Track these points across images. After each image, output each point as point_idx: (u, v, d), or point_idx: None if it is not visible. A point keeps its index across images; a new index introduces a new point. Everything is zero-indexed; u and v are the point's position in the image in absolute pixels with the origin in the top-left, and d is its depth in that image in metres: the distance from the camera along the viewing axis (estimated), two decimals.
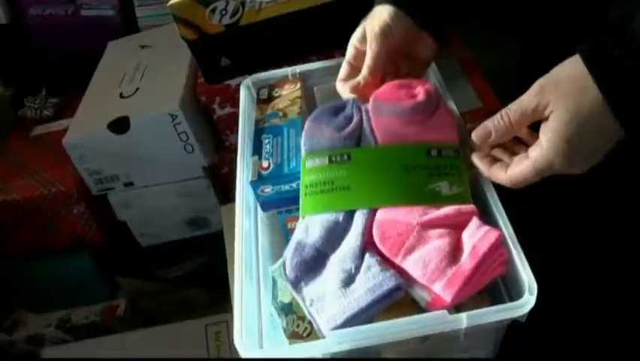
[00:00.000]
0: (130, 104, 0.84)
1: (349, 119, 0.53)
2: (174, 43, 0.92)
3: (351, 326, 0.42)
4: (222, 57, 0.80)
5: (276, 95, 0.67)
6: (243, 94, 0.67)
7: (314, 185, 0.49)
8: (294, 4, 0.75)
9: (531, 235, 0.47)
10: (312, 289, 0.45)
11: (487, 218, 0.49)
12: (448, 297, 0.41)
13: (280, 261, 0.55)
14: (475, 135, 0.46)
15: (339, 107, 0.55)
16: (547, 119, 0.42)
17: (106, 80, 0.92)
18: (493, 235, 0.42)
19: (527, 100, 0.43)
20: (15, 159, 0.90)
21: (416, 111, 0.49)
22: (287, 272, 0.46)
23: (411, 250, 0.44)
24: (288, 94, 0.66)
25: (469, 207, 0.46)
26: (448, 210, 0.45)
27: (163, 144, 0.84)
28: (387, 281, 0.42)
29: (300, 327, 0.50)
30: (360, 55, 0.55)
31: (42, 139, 0.93)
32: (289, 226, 0.60)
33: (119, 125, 0.82)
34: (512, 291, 0.46)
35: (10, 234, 0.86)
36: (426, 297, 0.43)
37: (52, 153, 0.88)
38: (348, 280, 0.44)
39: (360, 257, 0.45)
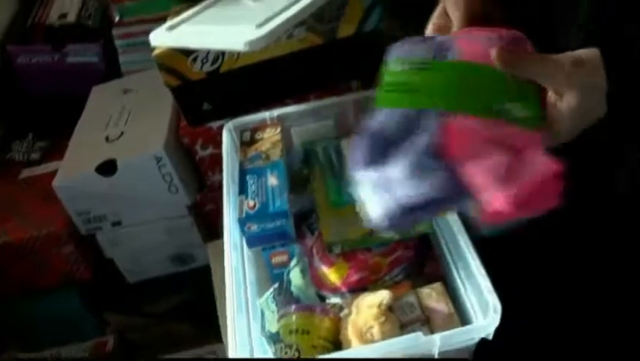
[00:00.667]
0: (116, 148, 0.88)
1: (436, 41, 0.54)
2: (156, 88, 0.96)
3: (402, 216, 0.45)
4: (204, 102, 0.85)
5: (258, 137, 0.72)
6: (225, 137, 0.72)
7: (391, 84, 0.50)
8: (270, 51, 0.80)
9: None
10: (381, 172, 0.46)
11: (457, 252, 0.55)
12: (509, 208, 0.42)
13: (267, 293, 0.59)
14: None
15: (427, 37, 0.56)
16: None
17: (91, 124, 0.96)
18: (554, 165, 0.43)
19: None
20: (4, 201, 0.92)
21: (503, 41, 0.49)
22: (359, 153, 0.48)
23: (476, 159, 0.44)
24: (270, 137, 0.71)
25: (535, 133, 0.46)
26: (515, 130, 0.46)
27: (148, 184, 0.88)
28: (453, 188, 0.44)
29: (287, 354, 0.54)
30: (441, 29, 0.56)
31: (30, 182, 0.96)
32: (273, 261, 0.64)
33: (107, 168, 0.85)
34: (478, 312, 0.51)
35: (0, 275, 0.88)
36: (476, 206, 0.44)
37: (41, 195, 0.91)
38: (413, 174, 0.45)
39: (428, 155, 0.46)
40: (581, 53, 0.44)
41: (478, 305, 0.50)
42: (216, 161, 0.91)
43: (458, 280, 0.55)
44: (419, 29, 0.63)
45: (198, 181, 0.94)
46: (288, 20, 0.69)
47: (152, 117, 0.93)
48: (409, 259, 0.61)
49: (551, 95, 0.45)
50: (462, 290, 0.54)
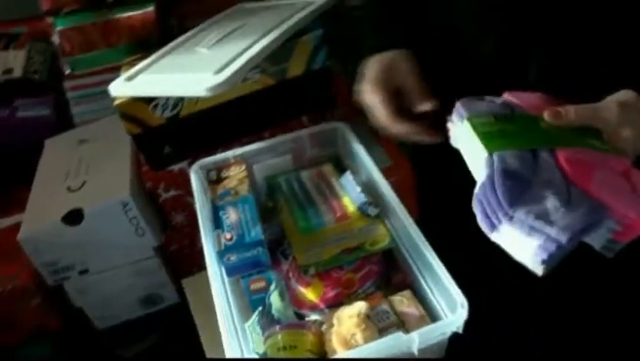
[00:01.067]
0: (80, 197, 0.90)
1: (497, 101, 0.59)
2: (112, 136, 1.00)
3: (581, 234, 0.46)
4: (165, 146, 0.88)
5: (224, 176, 0.77)
6: (193, 178, 0.76)
7: (489, 133, 0.53)
8: (227, 95, 0.85)
9: None
10: (532, 207, 0.46)
11: (421, 260, 0.61)
12: None
13: (254, 317, 0.63)
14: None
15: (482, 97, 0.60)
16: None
17: (50, 175, 0.97)
18: None
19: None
20: None
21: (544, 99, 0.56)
22: (500, 196, 0.48)
23: (601, 182, 0.48)
24: (236, 175, 0.76)
25: (623, 158, 0.52)
26: (610, 156, 0.51)
27: (116, 230, 0.90)
28: (597, 210, 0.46)
29: None
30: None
31: None
32: (252, 287, 0.68)
33: (73, 217, 0.87)
34: (446, 309, 0.58)
35: None
36: (614, 226, 0.46)
37: (4, 249, 0.90)
38: (565, 202, 0.46)
39: (564, 183, 0.48)
40: (621, 96, 0.54)
41: (446, 304, 0.57)
42: (179, 202, 0.95)
43: (425, 286, 0.62)
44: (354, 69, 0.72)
45: (162, 223, 0.97)
46: (244, 66, 0.76)
47: (113, 165, 0.95)
48: (377, 273, 0.67)
49: (605, 132, 0.53)
50: (430, 294, 0.61)
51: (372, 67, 0.68)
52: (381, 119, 0.66)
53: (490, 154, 0.50)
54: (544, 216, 0.45)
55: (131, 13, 1.05)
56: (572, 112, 0.53)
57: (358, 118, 1.04)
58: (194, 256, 1.00)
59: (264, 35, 0.83)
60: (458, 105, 0.58)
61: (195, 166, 0.78)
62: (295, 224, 0.72)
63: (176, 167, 0.91)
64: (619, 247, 0.47)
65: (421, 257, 0.62)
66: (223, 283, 0.65)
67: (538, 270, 0.45)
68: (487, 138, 0.52)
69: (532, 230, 0.45)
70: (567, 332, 0.78)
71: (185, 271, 0.96)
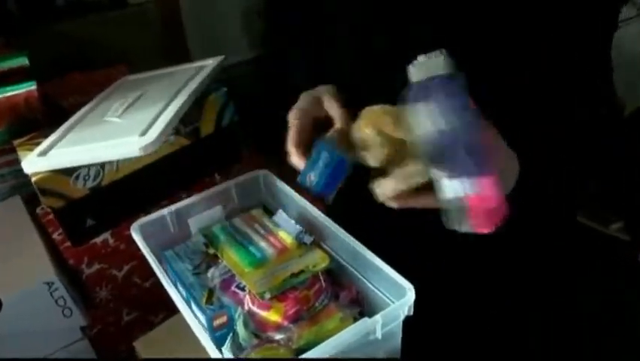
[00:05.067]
0: None
1: None
2: (11, 218, 1.08)
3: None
4: (87, 218, 1.00)
5: None
6: (137, 238, 0.89)
7: None
8: (146, 159, 1.00)
9: None
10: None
11: (356, 259, 0.80)
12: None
13: (227, 342, 0.77)
14: None
15: None
16: None
17: None
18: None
19: None
20: None
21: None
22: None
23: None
24: None
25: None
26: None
27: (41, 313, 0.97)
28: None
29: None
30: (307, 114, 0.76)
31: None
32: (215, 323, 0.82)
33: None
34: (395, 296, 0.76)
35: None
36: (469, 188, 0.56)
37: None
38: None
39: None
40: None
41: (396, 294, 0.75)
42: (103, 276, 1.05)
43: (369, 285, 0.80)
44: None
45: (85, 301, 1.06)
46: (168, 124, 0.92)
47: (25, 247, 1.03)
48: (326, 289, 0.84)
49: None
50: (378, 292, 0.79)
51: (300, 99, 0.80)
52: (287, 142, 0.76)
53: None
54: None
55: (12, 93, 1.17)
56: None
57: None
58: (120, 334, 1.10)
59: (172, 98, 1.01)
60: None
61: (135, 226, 0.90)
62: (241, 262, 0.87)
63: (98, 239, 1.02)
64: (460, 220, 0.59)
65: (362, 263, 0.80)
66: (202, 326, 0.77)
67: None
68: None
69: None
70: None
71: (110, 353, 1.05)
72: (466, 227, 0.59)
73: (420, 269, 0.76)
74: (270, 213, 0.97)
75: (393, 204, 0.64)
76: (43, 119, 1.20)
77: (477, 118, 0.57)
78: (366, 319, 0.70)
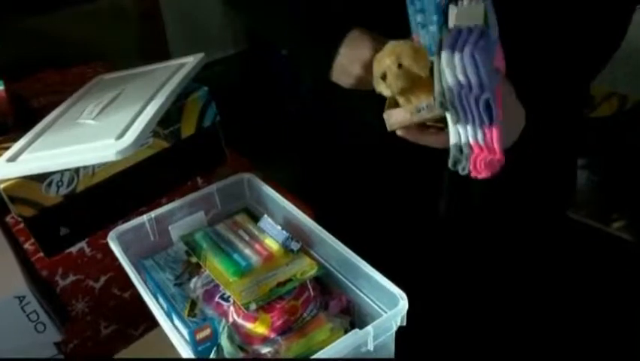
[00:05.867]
0: None
1: None
2: None
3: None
4: (61, 227, 0.97)
5: None
6: (115, 248, 0.86)
7: None
8: (123, 163, 0.97)
9: None
10: None
11: (347, 266, 0.78)
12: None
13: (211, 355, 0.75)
14: None
15: None
16: None
17: None
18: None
19: None
20: None
21: None
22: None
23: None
24: None
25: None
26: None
27: (10, 330, 0.94)
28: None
29: None
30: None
31: None
32: (198, 337, 0.79)
33: None
34: (387, 305, 0.74)
35: None
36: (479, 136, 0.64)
37: None
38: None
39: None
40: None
41: (388, 303, 0.73)
42: (79, 288, 1.02)
43: (360, 293, 0.78)
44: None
45: (60, 315, 1.03)
46: (147, 126, 0.89)
47: None
48: (314, 298, 0.82)
49: None
50: (369, 301, 0.77)
51: (360, 45, 0.78)
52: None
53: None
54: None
55: None
56: None
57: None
58: (97, 348, 1.07)
59: (151, 98, 0.98)
60: None
61: (112, 235, 0.87)
62: (225, 271, 0.84)
63: (74, 249, 0.99)
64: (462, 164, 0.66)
65: (352, 270, 0.78)
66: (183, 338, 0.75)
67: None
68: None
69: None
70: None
71: None
72: (465, 171, 0.66)
73: (413, 272, 0.75)
74: (255, 218, 0.95)
75: (400, 133, 0.71)
76: (13, 121, 1.16)
77: (496, 75, 0.63)
78: (357, 330, 0.68)
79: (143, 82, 1.10)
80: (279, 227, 0.89)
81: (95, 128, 0.95)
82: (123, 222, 0.90)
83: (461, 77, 0.61)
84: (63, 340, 1.01)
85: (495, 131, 0.63)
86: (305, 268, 0.83)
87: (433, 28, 0.70)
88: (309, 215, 1.09)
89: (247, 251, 0.88)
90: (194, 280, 0.85)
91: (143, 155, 0.99)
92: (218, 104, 1.08)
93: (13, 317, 0.93)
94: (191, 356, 0.72)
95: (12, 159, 0.93)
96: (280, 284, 0.81)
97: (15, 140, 1.00)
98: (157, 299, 0.83)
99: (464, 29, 0.62)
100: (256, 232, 0.92)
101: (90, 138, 0.91)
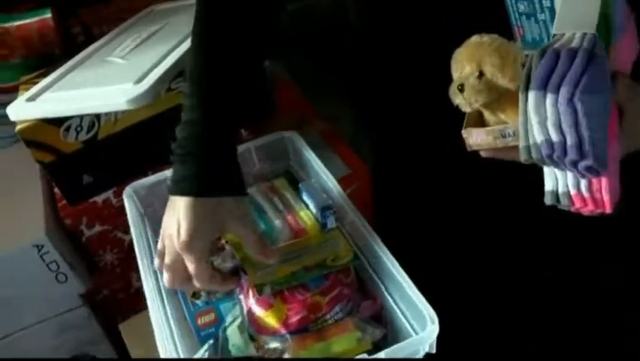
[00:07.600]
0: None
1: None
2: (14, 168, 1.00)
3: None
4: (84, 175, 0.90)
5: None
6: (127, 204, 0.77)
7: None
8: (150, 109, 0.87)
9: None
10: None
11: (385, 274, 0.65)
12: None
13: (201, 351, 0.66)
14: None
15: None
16: None
17: None
18: None
19: None
20: None
21: None
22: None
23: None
24: None
25: None
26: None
27: (30, 280, 0.90)
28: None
29: None
30: None
31: None
32: (199, 322, 0.70)
33: None
34: (415, 325, 0.61)
35: None
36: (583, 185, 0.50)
37: None
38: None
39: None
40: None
41: (416, 321, 0.60)
42: (106, 239, 0.96)
43: (392, 303, 0.65)
44: None
45: (88, 265, 0.98)
46: (167, 73, 0.79)
47: (21, 203, 0.95)
48: (348, 297, 0.69)
49: None
50: (398, 312, 0.64)
51: None
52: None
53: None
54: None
55: (22, 22, 1.06)
56: None
57: (310, 125, 1.08)
58: (130, 300, 1.01)
59: (184, 39, 0.87)
60: None
61: (128, 190, 0.78)
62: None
63: (99, 198, 0.92)
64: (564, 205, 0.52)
65: (385, 271, 0.65)
66: (168, 322, 0.66)
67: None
68: None
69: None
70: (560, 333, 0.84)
71: (122, 320, 0.96)
72: (564, 208, 0.53)
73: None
74: (296, 184, 0.83)
75: (482, 154, 0.59)
76: (62, 53, 1.08)
77: (607, 113, 0.47)
78: (365, 355, 0.56)
79: (188, 17, 0.98)
80: (322, 192, 0.76)
81: (121, 68, 0.86)
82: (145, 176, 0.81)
83: (554, 135, 0.45)
84: (89, 290, 0.96)
85: (605, 181, 0.48)
86: (339, 252, 0.71)
87: (544, 16, 0.54)
88: (364, 185, 0.96)
89: (277, 223, 0.76)
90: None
91: (172, 102, 0.88)
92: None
93: (33, 265, 0.90)
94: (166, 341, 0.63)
95: (32, 99, 0.86)
96: (307, 269, 0.69)
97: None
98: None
99: (563, 51, 0.45)
100: (292, 202, 0.80)
101: (109, 81, 0.82)
